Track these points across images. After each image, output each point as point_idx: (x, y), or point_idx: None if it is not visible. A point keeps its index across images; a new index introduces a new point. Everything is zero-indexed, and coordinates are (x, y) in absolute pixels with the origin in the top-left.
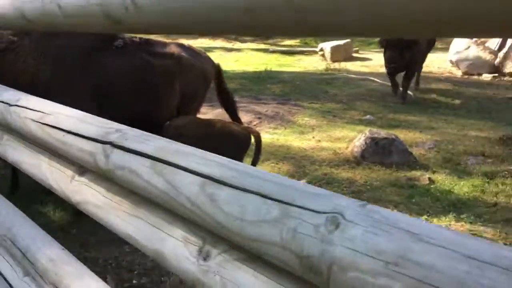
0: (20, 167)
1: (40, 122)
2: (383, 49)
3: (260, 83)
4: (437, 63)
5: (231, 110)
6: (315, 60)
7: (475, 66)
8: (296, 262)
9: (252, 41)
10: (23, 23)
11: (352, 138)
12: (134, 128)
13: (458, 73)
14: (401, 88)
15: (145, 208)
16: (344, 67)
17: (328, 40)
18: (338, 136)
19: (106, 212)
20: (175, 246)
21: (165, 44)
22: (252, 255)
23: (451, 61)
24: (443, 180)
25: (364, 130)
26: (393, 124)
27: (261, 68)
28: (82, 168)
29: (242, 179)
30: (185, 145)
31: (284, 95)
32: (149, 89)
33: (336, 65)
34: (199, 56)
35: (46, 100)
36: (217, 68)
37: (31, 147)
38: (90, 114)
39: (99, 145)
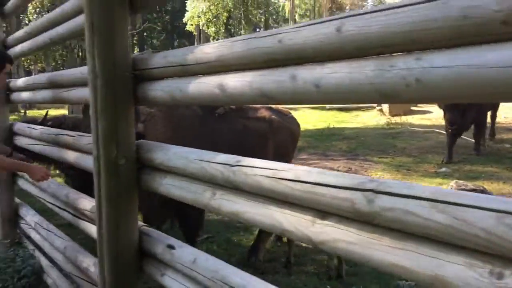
0: (237, 217)
1: (276, 177)
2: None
3: (325, 140)
4: (503, 112)
5: None
6: (372, 115)
7: None
8: None
9: None
10: (263, 100)
11: None
12: (385, 179)
13: None
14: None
15: (411, 241)
16: (406, 121)
17: None
18: None
19: (363, 247)
20: (458, 270)
21: (256, 109)
22: None
23: None
24: None
25: (443, 183)
26: (471, 176)
27: (321, 125)
28: (322, 213)
29: None
30: (460, 191)
31: (352, 151)
32: (247, 149)
33: (397, 119)
34: (286, 117)
35: (265, 160)
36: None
37: (255, 199)
38: (327, 170)
39: (358, 192)
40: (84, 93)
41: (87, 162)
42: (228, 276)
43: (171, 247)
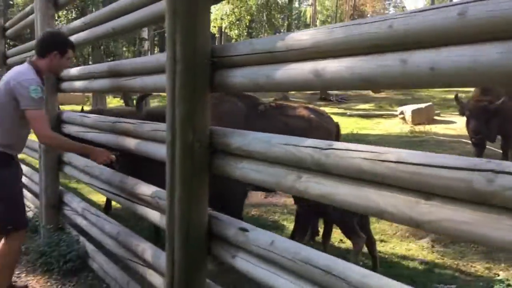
0: (327, 199)
1: (377, 160)
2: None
3: None
4: None
5: None
6: (394, 123)
7: None
8: None
9: (325, 106)
10: (362, 85)
11: None
12: (503, 161)
13: None
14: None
15: None
16: (430, 130)
17: (407, 104)
18: None
19: (478, 227)
20: None
21: (295, 108)
22: None
23: None
24: None
25: None
26: None
27: (343, 131)
28: (426, 193)
29: None
30: None
31: None
32: None
33: (421, 128)
34: (323, 116)
35: (360, 144)
36: (337, 127)
37: (345, 182)
38: (427, 153)
39: (475, 172)
40: (147, 81)
41: (148, 148)
42: (312, 257)
43: (244, 229)
